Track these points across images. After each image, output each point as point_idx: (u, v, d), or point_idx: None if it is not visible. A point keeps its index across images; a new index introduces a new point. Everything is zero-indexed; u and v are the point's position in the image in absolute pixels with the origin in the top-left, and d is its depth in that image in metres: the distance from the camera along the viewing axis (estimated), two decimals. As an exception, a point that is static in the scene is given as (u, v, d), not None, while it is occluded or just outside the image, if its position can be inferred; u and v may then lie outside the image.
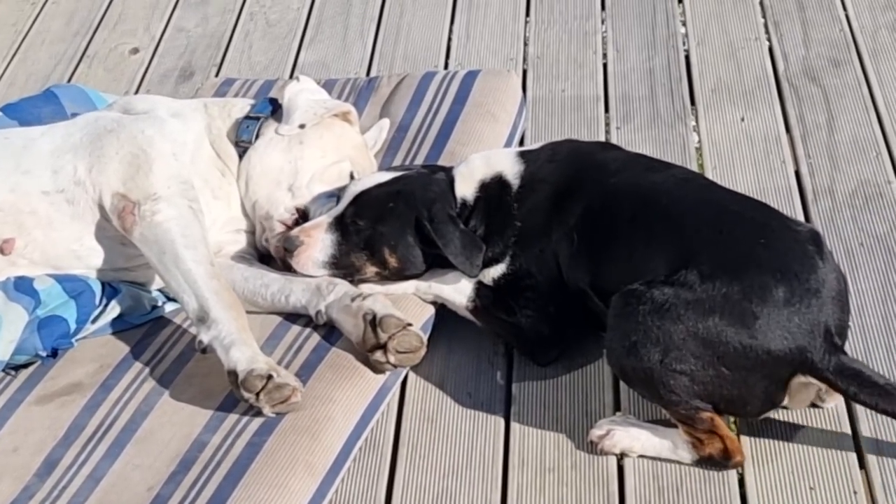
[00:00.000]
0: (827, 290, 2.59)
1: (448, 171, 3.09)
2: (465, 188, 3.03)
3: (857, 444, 2.73)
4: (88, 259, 3.22)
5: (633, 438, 2.75)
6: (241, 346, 2.87)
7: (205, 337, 2.93)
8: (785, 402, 2.67)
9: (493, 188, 3.01)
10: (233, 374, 2.84)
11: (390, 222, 3.01)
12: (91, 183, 3.16)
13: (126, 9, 4.99)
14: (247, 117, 3.34)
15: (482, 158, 3.08)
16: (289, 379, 2.82)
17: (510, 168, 3.02)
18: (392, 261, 3.04)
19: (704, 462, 2.69)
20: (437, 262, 3.05)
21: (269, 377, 2.80)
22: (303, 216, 3.21)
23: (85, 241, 3.20)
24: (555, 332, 2.99)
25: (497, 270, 2.98)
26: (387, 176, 3.10)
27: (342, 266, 3.06)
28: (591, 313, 2.90)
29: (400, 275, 3.07)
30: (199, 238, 3.07)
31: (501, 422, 2.92)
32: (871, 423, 2.75)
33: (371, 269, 3.07)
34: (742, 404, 2.63)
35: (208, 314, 2.93)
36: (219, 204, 3.27)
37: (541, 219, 2.94)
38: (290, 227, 3.17)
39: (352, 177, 3.27)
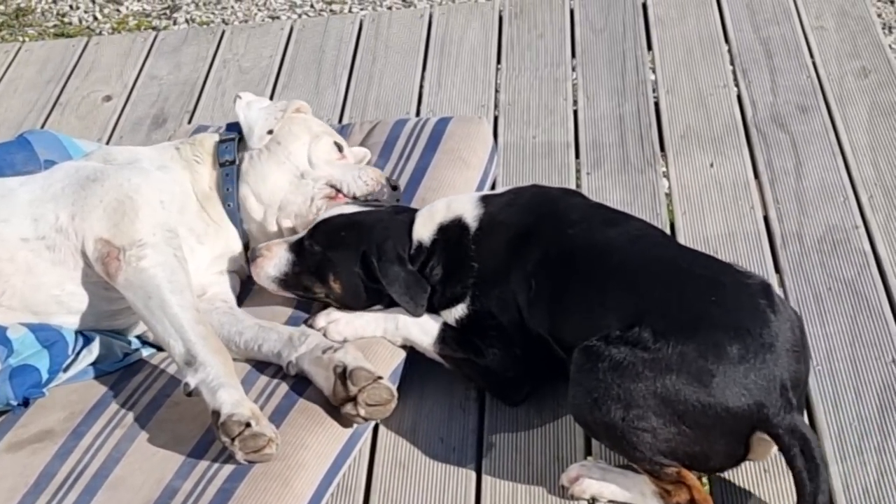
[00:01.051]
0: (781, 342, 2.61)
1: (412, 213, 3.14)
2: (423, 230, 3.08)
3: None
4: (70, 304, 3.21)
5: (603, 484, 2.76)
6: (228, 389, 2.88)
7: (192, 380, 2.92)
8: (749, 456, 2.68)
9: (452, 231, 3.05)
10: (216, 414, 2.84)
11: (339, 251, 3.10)
12: (73, 230, 3.16)
13: (99, 57, 5.00)
14: (221, 141, 3.42)
15: (445, 202, 3.13)
16: (266, 430, 2.82)
17: (470, 211, 3.06)
18: (336, 287, 3.13)
19: None
20: (388, 300, 3.10)
21: (248, 425, 2.80)
22: (337, 190, 3.35)
23: (66, 287, 3.19)
24: (523, 370, 3.00)
25: (459, 311, 3.01)
26: (353, 208, 3.20)
27: (291, 284, 3.19)
28: (555, 359, 2.92)
29: (343, 303, 3.14)
30: (184, 284, 3.08)
31: (473, 467, 2.92)
32: (839, 468, 2.78)
33: (319, 292, 3.16)
34: (705, 460, 2.65)
35: (196, 358, 2.94)
36: (203, 248, 3.29)
37: (498, 262, 2.97)
38: (335, 198, 3.33)
39: (337, 146, 3.42)
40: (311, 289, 3.17)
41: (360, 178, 3.36)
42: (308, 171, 3.36)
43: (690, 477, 2.65)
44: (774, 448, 2.64)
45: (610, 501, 2.76)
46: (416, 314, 3.03)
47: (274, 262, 3.17)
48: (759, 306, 2.64)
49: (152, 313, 3.03)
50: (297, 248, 3.17)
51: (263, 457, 2.81)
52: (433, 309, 3.06)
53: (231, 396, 2.85)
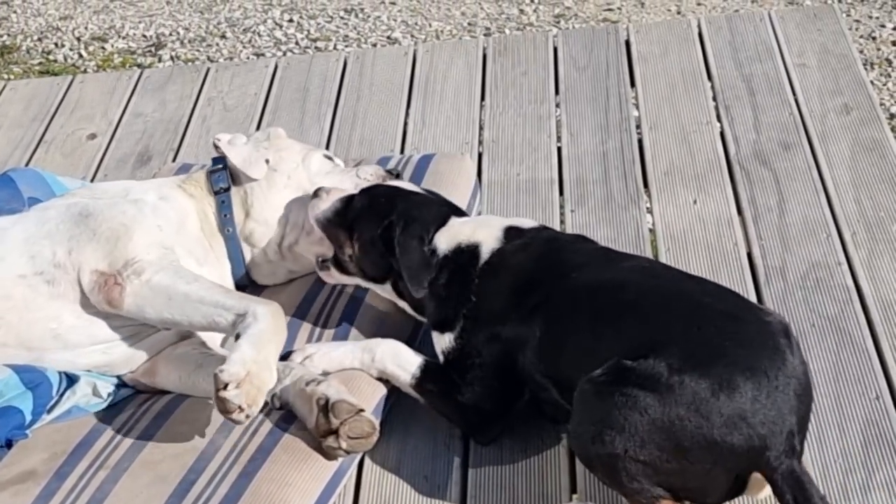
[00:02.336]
0: (794, 386, 2.60)
1: (450, 213, 3.21)
2: (444, 241, 3.12)
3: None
4: (67, 337, 3.19)
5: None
6: (250, 345, 2.91)
7: (241, 329, 2.96)
8: (745, 491, 2.66)
9: (465, 255, 3.08)
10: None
11: (372, 214, 3.18)
12: (71, 263, 3.16)
13: (83, 95, 5.00)
14: (212, 171, 3.45)
15: (474, 225, 3.17)
16: (238, 398, 2.84)
17: (487, 243, 3.08)
18: (356, 247, 3.21)
19: None
20: (393, 278, 3.18)
21: (224, 386, 2.83)
22: None
23: (65, 320, 3.17)
24: (497, 410, 3.00)
25: (447, 340, 3.02)
26: (409, 186, 3.34)
27: (331, 230, 3.26)
28: (541, 402, 2.93)
29: (360, 266, 3.21)
30: (193, 274, 3.11)
31: (458, 504, 2.92)
32: None
33: (346, 249, 3.24)
34: (703, 494, 2.63)
35: (247, 312, 2.98)
36: (204, 271, 3.27)
37: (497, 306, 2.98)
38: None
39: (328, 157, 3.51)
40: (341, 242, 3.25)
41: (360, 177, 3.43)
42: (311, 187, 3.39)
43: None
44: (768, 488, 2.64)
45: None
46: (416, 293, 3.08)
47: (326, 206, 3.26)
48: (780, 346, 2.63)
49: (183, 309, 3.05)
50: (348, 201, 3.25)
51: (232, 419, 2.86)
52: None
53: (242, 353, 2.88)
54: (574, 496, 2.88)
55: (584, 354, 2.76)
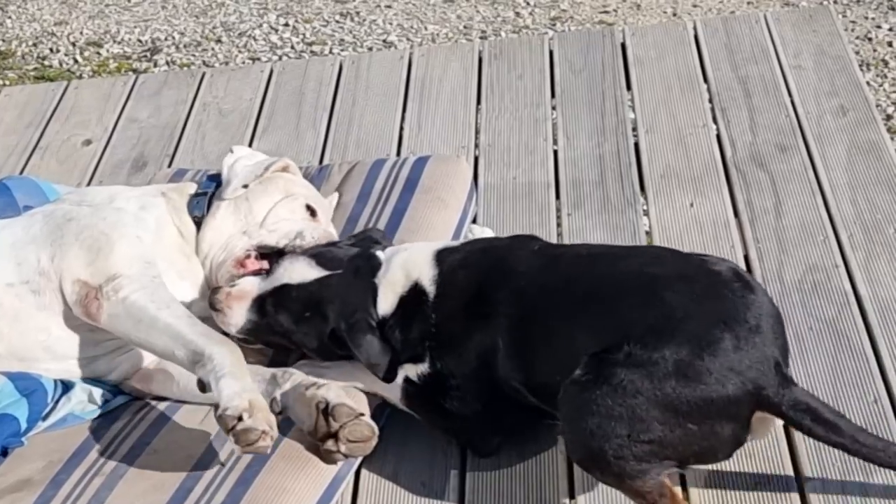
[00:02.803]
0: (765, 321, 2.68)
1: (372, 277, 3.07)
2: (385, 304, 3.04)
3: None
4: (56, 349, 3.19)
5: None
6: (229, 379, 2.87)
7: (202, 373, 2.93)
8: (752, 436, 2.73)
9: (412, 299, 3.02)
10: (216, 407, 2.86)
11: (308, 327, 3.07)
12: (54, 271, 3.15)
13: (79, 100, 4.99)
14: (195, 194, 3.40)
15: (401, 265, 3.07)
16: (259, 423, 2.81)
17: (426, 275, 3.03)
18: (306, 350, 3.14)
19: None
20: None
21: (240, 418, 2.80)
22: (258, 257, 3.27)
23: (52, 331, 3.17)
24: (489, 424, 2.99)
25: (421, 368, 3.00)
26: (312, 273, 3.10)
27: (257, 340, 3.15)
28: (525, 408, 2.93)
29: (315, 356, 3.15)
30: (169, 298, 3.08)
31: (456, 512, 2.91)
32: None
33: (287, 347, 3.17)
34: (713, 453, 2.70)
35: (202, 354, 2.94)
36: (185, 284, 3.26)
37: (458, 326, 2.96)
38: (243, 265, 3.24)
39: (310, 210, 3.35)
40: (277, 343, 3.18)
41: (311, 236, 3.29)
42: (250, 229, 3.30)
43: (677, 496, 2.68)
44: (771, 424, 2.73)
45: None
46: (382, 378, 3.01)
47: (234, 321, 3.12)
48: (737, 291, 2.70)
49: (147, 335, 3.03)
50: (260, 310, 3.11)
51: (258, 449, 2.82)
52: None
53: (230, 388, 2.85)
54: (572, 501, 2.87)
55: (553, 356, 2.79)
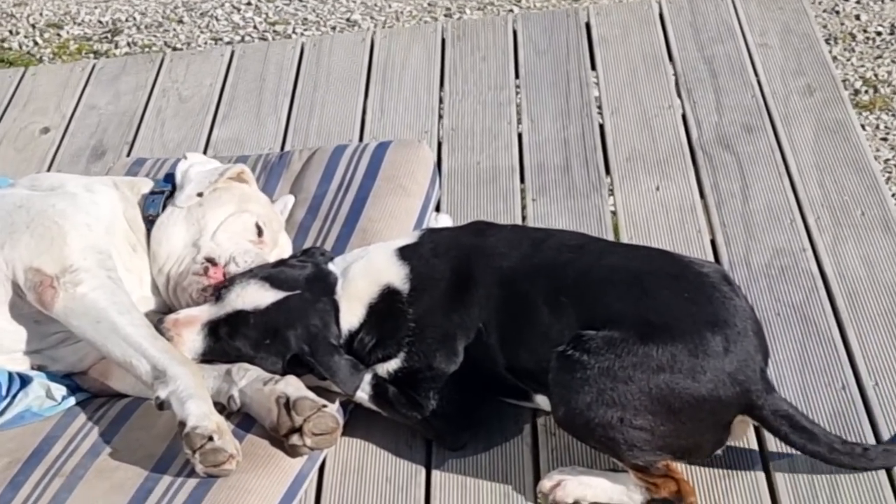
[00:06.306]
0: (750, 326, 2.72)
1: (331, 294, 3.01)
2: (352, 317, 2.99)
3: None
4: (1, 341, 3.14)
5: (585, 486, 2.78)
6: (197, 400, 2.86)
7: (162, 392, 2.90)
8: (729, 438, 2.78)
9: (383, 302, 2.98)
10: (181, 425, 2.84)
11: (268, 353, 2.99)
12: (3, 259, 3.10)
13: (36, 87, 4.91)
14: (151, 192, 3.35)
15: (363, 274, 3.02)
16: (228, 446, 2.81)
17: (396, 274, 2.99)
18: (265, 370, 3.03)
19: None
20: None
21: (210, 438, 2.79)
22: (213, 265, 3.18)
23: None
24: (461, 416, 2.97)
25: (392, 365, 2.97)
26: (267, 297, 3.00)
27: (215, 362, 3.05)
28: (499, 395, 2.93)
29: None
30: (129, 303, 3.04)
31: (421, 507, 2.89)
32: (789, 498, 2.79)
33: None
34: (697, 450, 2.73)
35: (164, 372, 2.91)
36: (131, 277, 3.21)
37: (438, 317, 2.93)
38: (205, 275, 3.16)
39: (258, 228, 3.27)
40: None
41: (244, 261, 3.19)
42: (200, 240, 3.23)
43: (677, 470, 2.71)
44: (747, 428, 2.79)
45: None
46: (351, 394, 2.97)
47: (187, 347, 3.02)
48: (726, 294, 2.74)
49: (106, 338, 2.99)
50: (213, 335, 3.02)
51: (222, 471, 2.82)
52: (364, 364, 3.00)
53: (199, 408, 2.84)
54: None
55: (540, 342, 2.78)
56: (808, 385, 3.03)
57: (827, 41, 5.08)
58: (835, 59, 5.11)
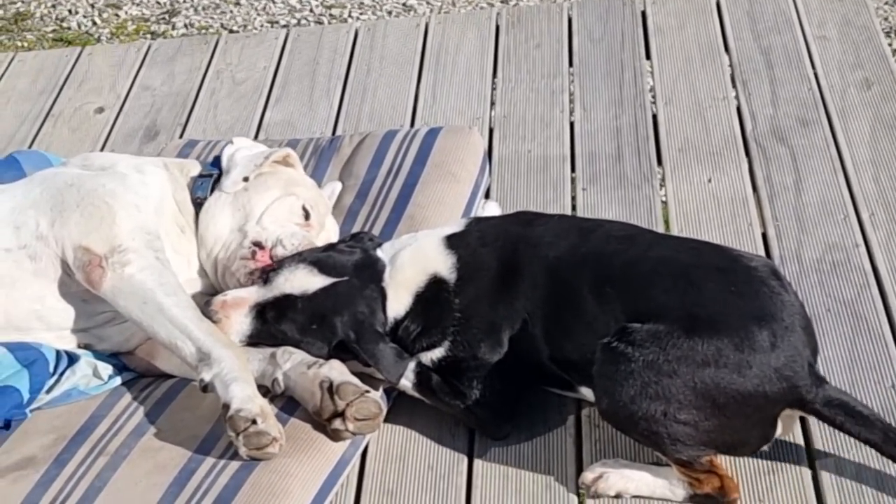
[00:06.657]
0: (798, 321, 2.68)
1: (379, 281, 3.01)
2: (399, 305, 2.99)
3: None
4: (50, 319, 3.17)
5: (628, 479, 2.78)
6: (241, 383, 2.87)
7: (206, 375, 2.91)
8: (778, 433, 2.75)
9: (429, 291, 2.97)
10: (226, 407, 2.85)
11: (314, 337, 3.00)
12: (53, 237, 3.12)
13: (92, 67, 4.95)
14: (200, 175, 3.37)
15: (411, 262, 3.01)
16: (271, 429, 2.82)
17: (443, 263, 2.98)
18: (310, 354, 3.03)
19: (700, 499, 2.72)
20: None
21: (254, 421, 2.80)
22: (260, 248, 3.19)
23: (47, 301, 3.15)
24: (504, 406, 2.97)
25: (436, 353, 2.97)
26: (315, 282, 3.01)
27: (261, 344, 3.06)
28: (543, 385, 2.93)
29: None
30: (176, 284, 3.06)
31: (463, 495, 2.88)
32: (835, 496, 2.76)
33: None
34: (742, 445, 2.72)
35: (209, 354, 2.93)
36: (178, 259, 3.23)
37: (484, 307, 2.92)
38: (252, 259, 3.17)
39: (304, 211, 3.27)
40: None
41: (291, 243, 3.19)
42: (246, 225, 3.23)
43: (721, 465, 2.70)
44: (795, 422, 2.78)
45: (634, 497, 2.76)
46: (395, 383, 2.98)
47: (234, 329, 3.03)
48: (775, 289, 2.70)
49: (152, 318, 3.00)
50: (260, 317, 3.03)
51: (265, 454, 2.83)
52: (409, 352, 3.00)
53: (243, 391, 2.86)
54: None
55: (585, 333, 2.77)
56: (858, 382, 3.00)
57: (887, 34, 5.01)
58: (894, 52, 5.03)
